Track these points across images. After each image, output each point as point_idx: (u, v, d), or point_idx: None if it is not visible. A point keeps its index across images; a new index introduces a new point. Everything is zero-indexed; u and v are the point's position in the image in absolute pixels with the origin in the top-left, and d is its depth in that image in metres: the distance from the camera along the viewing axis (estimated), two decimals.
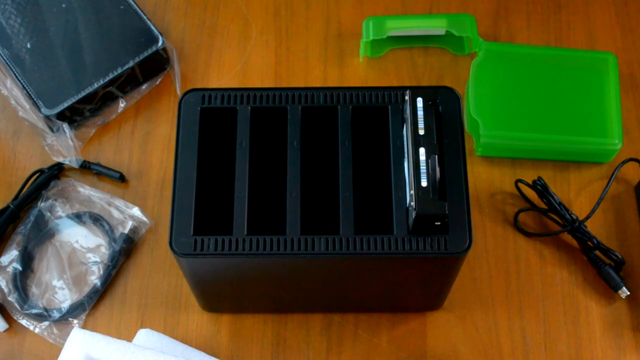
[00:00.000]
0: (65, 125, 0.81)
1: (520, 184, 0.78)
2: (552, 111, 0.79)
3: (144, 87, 0.84)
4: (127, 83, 0.83)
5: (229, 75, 0.85)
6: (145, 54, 0.82)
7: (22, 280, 0.76)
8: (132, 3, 0.84)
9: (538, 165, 0.80)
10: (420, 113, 0.61)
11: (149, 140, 0.83)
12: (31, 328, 0.75)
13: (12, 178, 0.81)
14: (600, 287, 0.75)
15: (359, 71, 0.86)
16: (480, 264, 0.76)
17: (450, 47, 0.86)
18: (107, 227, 0.78)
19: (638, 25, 0.87)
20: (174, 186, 0.62)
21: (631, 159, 0.79)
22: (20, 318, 0.75)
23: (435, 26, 0.83)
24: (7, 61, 0.82)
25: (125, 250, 0.77)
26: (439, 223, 0.59)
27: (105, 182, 0.81)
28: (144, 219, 0.78)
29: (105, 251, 0.77)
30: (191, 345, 0.72)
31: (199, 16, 0.88)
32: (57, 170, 0.81)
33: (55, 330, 0.74)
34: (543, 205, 0.78)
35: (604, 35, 0.86)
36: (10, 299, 0.75)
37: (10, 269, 0.76)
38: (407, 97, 0.62)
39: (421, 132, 0.61)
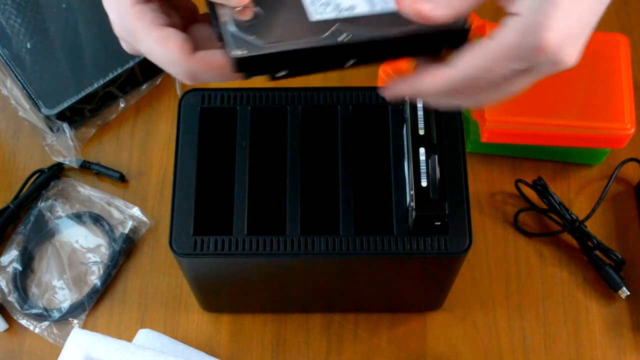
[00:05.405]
0: (65, 125, 0.80)
1: (520, 184, 0.78)
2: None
3: (144, 87, 0.84)
4: (127, 83, 0.83)
5: None
6: None
7: (22, 280, 0.76)
8: None
9: (538, 165, 0.80)
10: (420, 113, 0.61)
11: (149, 140, 0.83)
12: (31, 328, 0.75)
13: (12, 178, 0.81)
14: (600, 287, 0.75)
15: (359, 71, 0.85)
16: (480, 264, 0.76)
17: None
18: (107, 227, 0.78)
19: (638, 25, 0.87)
20: (174, 186, 0.62)
21: (631, 159, 0.79)
22: (20, 318, 0.75)
23: None
24: (7, 61, 0.82)
25: (125, 250, 0.77)
26: (439, 223, 0.59)
27: (105, 182, 0.81)
28: (144, 219, 0.78)
29: (105, 251, 0.77)
30: (191, 345, 0.72)
31: None
32: (57, 170, 0.80)
33: (55, 330, 0.74)
34: (543, 205, 0.78)
35: None
36: (10, 299, 0.75)
37: (10, 269, 0.76)
38: (407, 97, 0.62)
39: (421, 132, 0.61)
